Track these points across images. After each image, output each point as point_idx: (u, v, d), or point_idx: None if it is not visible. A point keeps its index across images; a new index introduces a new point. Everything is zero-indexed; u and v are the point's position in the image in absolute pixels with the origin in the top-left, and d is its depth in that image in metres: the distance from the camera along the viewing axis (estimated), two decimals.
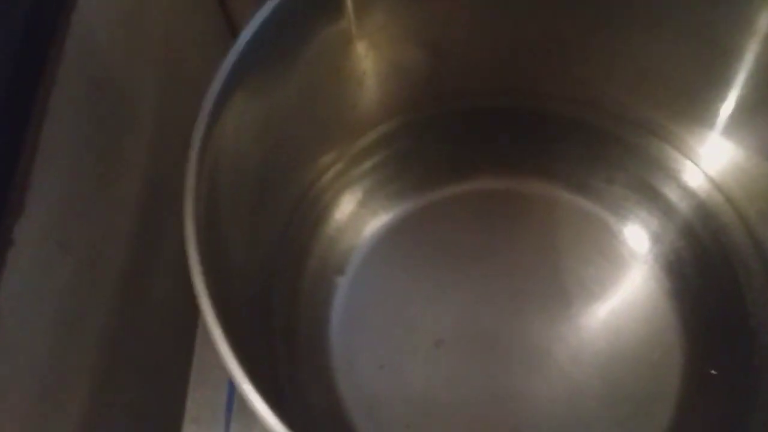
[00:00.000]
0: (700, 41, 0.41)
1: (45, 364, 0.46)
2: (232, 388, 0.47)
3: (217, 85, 0.35)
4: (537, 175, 0.49)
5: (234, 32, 0.75)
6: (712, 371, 0.43)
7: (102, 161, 0.53)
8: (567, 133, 0.48)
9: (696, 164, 0.47)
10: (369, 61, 0.44)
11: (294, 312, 0.45)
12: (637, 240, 0.47)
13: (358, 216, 0.48)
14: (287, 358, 0.43)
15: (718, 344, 0.44)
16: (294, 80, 0.41)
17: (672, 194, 0.47)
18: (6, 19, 0.42)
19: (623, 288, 0.47)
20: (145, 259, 0.58)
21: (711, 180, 0.46)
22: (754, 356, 0.42)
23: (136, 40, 0.58)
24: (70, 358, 0.48)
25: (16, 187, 0.43)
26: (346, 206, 0.47)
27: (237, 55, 0.36)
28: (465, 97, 0.48)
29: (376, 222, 0.48)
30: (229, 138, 0.36)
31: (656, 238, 0.47)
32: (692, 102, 0.44)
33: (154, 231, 0.59)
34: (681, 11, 0.40)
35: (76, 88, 0.48)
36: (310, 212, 0.46)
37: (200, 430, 0.45)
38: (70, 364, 0.49)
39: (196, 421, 0.45)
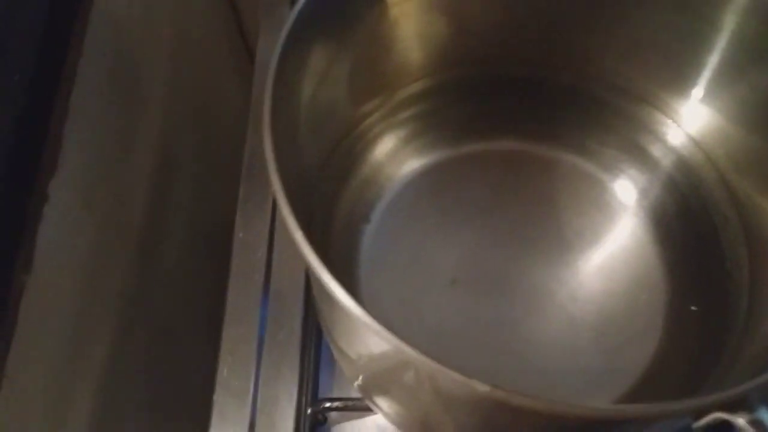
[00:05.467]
0: (684, 12, 0.45)
1: (73, 313, 0.48)
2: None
3: (280, 47, 0.38)
4: (541, 138, 0.53)
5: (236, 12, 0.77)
6: (693, 308, 0.47)
7: (121, 129, 0.55)
8: (568, 100, 0.53)
9: (678, 125, 0.51)
10: (398, 29, 0.48)
11: (325, 253, 0.48)
12: (627, 194, 0.52)
13: (384, 166, 0.52)
14: None
15: (698, 285, 0.48)
16: (342, 43, 0.45)
17: (657, 152, 0.52)
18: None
19: (615, 236, 0.51)
20: (158, 223, 0.60)
21: (692, 139, 0.51)
22: (728, 295, 0.46)
23: (151, 16, 0.60)
24: (94, 310, 0.51)
25: (50, 147, 0.45)
26: (384, 146, 0.52)
27: (292, 22, 0.38)
28: (481, 65, 0.52)
29: (399, 174, 0.52)
30: (293, 82, 0.40)
31: (644, 192, 0.52)
32: (677, 69, 0.48)
33: (165, 195, 0.61)
34: None
35: (100, 58, 0.50)
36: (352, 147, 0.50)
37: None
38: (94, 316, 0.51)
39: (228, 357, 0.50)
